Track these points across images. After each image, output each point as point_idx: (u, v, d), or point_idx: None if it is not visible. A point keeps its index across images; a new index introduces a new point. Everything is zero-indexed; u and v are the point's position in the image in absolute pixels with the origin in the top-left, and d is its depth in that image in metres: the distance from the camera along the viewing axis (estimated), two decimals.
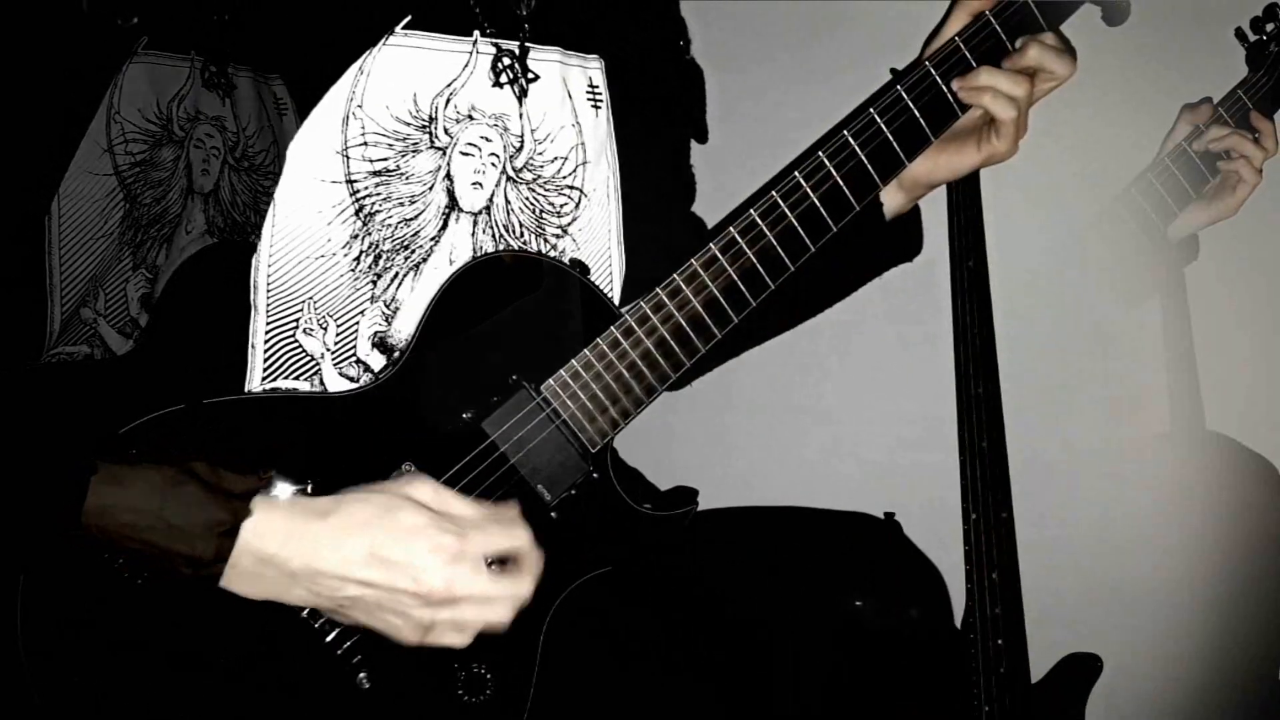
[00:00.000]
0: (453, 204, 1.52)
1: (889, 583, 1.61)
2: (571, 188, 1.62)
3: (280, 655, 1.36)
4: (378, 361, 1.49)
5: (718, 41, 2.61)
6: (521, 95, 1.56)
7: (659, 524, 1.54)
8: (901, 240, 1.82)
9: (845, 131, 1.57)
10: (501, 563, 1.39)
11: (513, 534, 1.38)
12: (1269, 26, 2.29)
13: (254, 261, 1.45)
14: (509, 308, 1.47)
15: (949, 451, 2.30)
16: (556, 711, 1.49)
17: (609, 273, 1.67)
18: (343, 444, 1.40)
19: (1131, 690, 2.34)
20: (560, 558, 1.47)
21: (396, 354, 1.49)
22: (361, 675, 1.38)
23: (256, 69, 1.69)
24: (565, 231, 1.62)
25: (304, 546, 1.28)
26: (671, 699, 1.56)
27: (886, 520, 2.06)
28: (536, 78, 1.57)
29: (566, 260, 1.59)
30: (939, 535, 2.25)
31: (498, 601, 1.35)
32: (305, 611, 1.36)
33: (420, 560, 1.31)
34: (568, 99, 1.61)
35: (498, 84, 1.54)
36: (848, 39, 2.63)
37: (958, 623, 2.18)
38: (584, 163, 1.63)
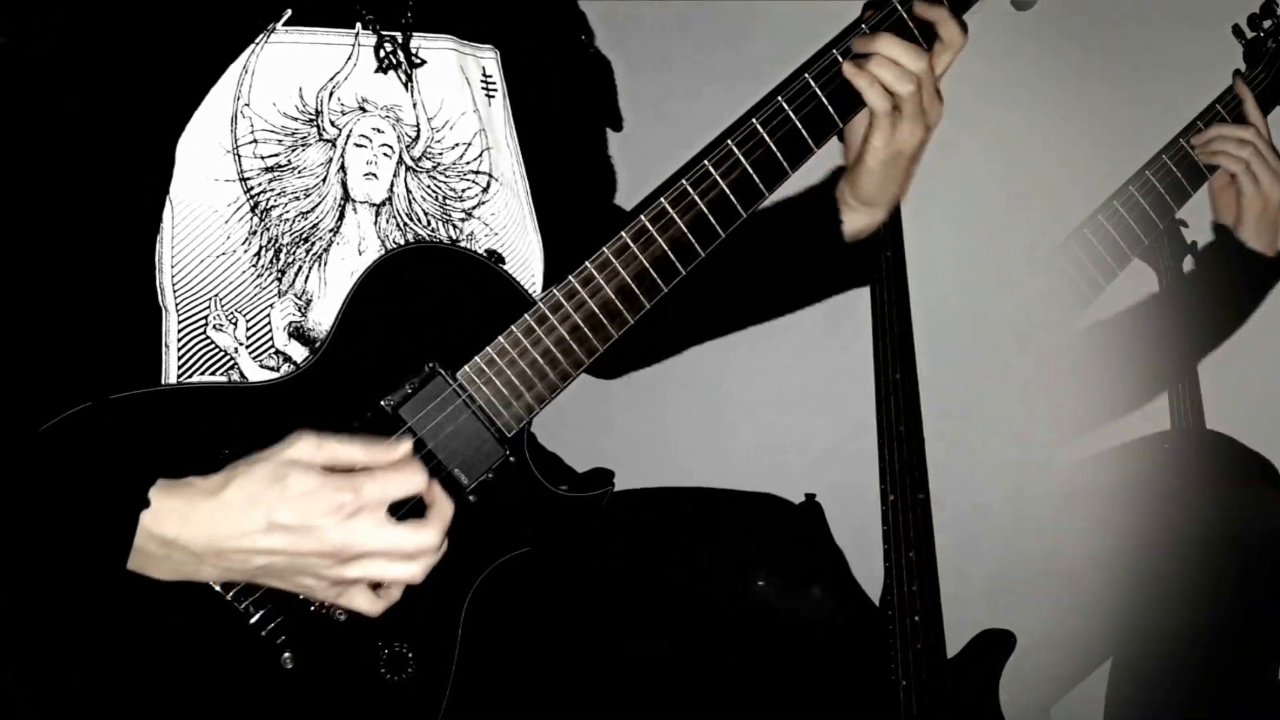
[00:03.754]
0: (346, 195, 1.54)
1: (790, 562, 1.66)
2: (477, 173, 1.64)
3: (203, 637, 1.38)
4: (299, 352, 1.51)
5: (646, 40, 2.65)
6: (407, 80, 1.58)
7: (575, 505, 1.58)
8: (860, 262, 1.82)
9: (754, 120, 1.63)
10: (416, 513, 1.39)
11: (407, 476, 1.36)
12: (1266, 23, 2.31)
13: (156, 263, 1.44)
14: (425, 297, 1.50)
15: (870, 436, 2.36)
16: (477, 689, 1.52)
17: (528, 260, 1.68)
18: (262, 433, 1.39)
19: (1039, 665, 2.39)
20: (479, 539, 1.51)
21: (317, 344, 1.51)
22: (286, 655, 1.40)
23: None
24: (471, 215, 1.63)
25: (202, 527, 1.29)
26: (589, 677, 1.60)
27: (807, 501, 2.11)
28: (423, 62, 1.60)
29: (481, 250, 1.62)
30: (859, 516, 2.30)
31: (405, 554, 1.35)
32: (230, 595, 1.38)
33: (319, 522, 1.31)
34: (466, 85, 1.64)
35: (380, 69, 1.56)
36: (773, 38, 2.68)
37: (876, 600, 2.24)
38: (488, 148, 1.66)
